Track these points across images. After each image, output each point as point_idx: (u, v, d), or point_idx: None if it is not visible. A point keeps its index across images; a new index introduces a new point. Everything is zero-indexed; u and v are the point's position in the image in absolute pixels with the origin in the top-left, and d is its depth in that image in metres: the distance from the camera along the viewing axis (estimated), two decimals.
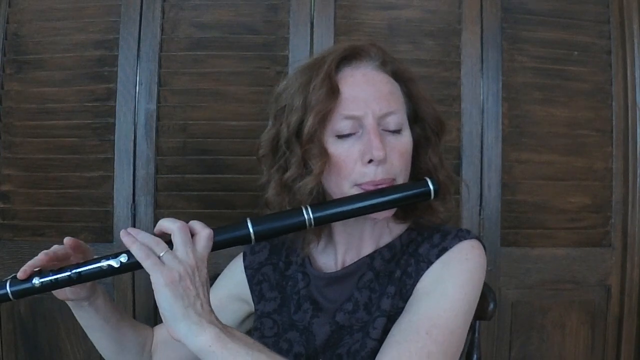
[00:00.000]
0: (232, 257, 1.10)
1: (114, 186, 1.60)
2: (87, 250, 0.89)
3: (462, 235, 0.92)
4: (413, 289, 0.89)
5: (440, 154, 0.98)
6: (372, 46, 0.94)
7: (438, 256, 0.90)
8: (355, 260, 0.97)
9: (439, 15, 1.65)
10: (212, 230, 0.81)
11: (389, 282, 0.92)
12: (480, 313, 1.04)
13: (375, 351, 0.85)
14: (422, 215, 0.97)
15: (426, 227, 0.97)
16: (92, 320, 0.92)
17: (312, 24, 1.61)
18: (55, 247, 0.85)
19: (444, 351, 0.83)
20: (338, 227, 0.96)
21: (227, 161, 1.60)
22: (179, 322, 0.74)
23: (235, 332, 0.78)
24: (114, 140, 1.60)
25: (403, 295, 0.90)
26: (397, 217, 0.96)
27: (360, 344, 0.89)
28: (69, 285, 0.82)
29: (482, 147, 1.63)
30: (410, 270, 0.91)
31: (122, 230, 0.79)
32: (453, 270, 0.89)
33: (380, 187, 0.88)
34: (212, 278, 1.11)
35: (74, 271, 0.80)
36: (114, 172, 1.60)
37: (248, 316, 1.06)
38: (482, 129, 1.63)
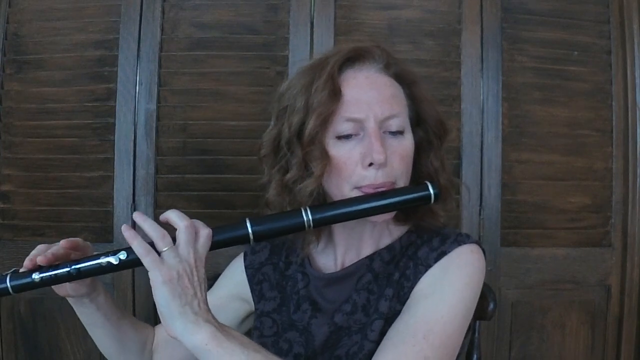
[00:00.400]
0: (232, 257, 1.10)
1: (114, 186, 1.60)
2: (87, 247, 0.89)
3: (461, 239, 0.92)
4: (411, 291, 0.89)
5: (442, 157, 0.97)
6: (376, 48, 0.94)
7: (437, 260, 0.90)
8: (355, 261, 0.97)
9: (439, 15, 1.65)
10: (211, 230, 0.81)
11: (387, 284, 0.92)
12: (480, 313, 1.05)
13: (373, 353, 0.85)
14: (423, 218, 0.97)
15: (426, 230, 0.96)
16: (93, 317, 0.92)
17: (312, 24, 1.61)
18: (54, 248, 0.85)
19: (440, 355, 0.83)
20: (338, 228, 0.96)
21: (227, 161, 1.60)
22: (175, 320, 0.75)
23: (231, 331, 0.78)
24: (114, 140, 1.60)
25: (401, 297, 0.90)
26: (397, 219, 0.96)
27: (359, 346, 0.89)
28: (68, 281, 0.83)
29: (482, 147, 1.63)
30: (408, 273, 0.91)
31: (124, 225, 0.81)
32: (451, 274, 0.88)
33: (380, 190, 0.88)
34: (213, 278, 1.11)
35: (73, 267, 0.80)
36: (114, 172, 1.60)
37: (248, 315, 1.06)
38: (482, 129, 1.63)
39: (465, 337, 0.91)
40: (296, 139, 0.91)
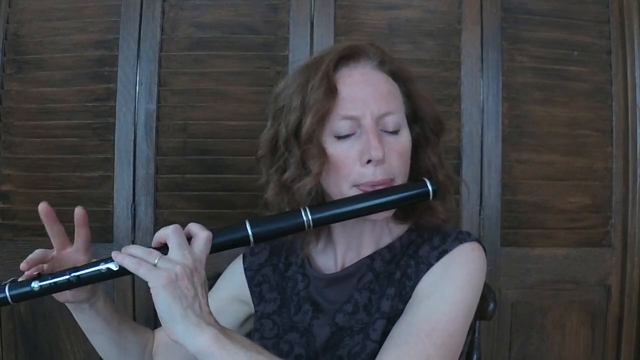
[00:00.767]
0: (232, 258, 1.10)
1: (114, 186, 1.60)
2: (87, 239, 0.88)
3: (462, 237, 0.92)
4: (412, 290, 0.89)
5: (440, 153, 0.97)
6: (370, 46, 0.94)
7: (438, 258, 0.90)
8: (355, 261, 0.96)
9: (439, 15, 1.65)
10: (210, 233, 0.81)
11: (388, 283, 0.92)
12: (480, 313, 1.04)
13: (375, 353, 0.85)
14: (422, 216, 0.97)
15: (426, 229, 0.96)
16: (92, 322, 0.92)
17: (312, 24, 1.61)
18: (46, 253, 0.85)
19: (443, 354, 0.83)
20: (337, 227, 0.96)
21: (227, 161, 1.60)
22: (177, 324, 0.74)
23: (233, 333, 0.78)
24: (114, 140, 1.60)
25: (402, 297, 0.90)
26: (397, 217, 0.96)
27: (361, 346, 0.89)
28: (68, 289, 0.82)
29: (482, 147, 1.63)
30: (409, 272, 0.91)
31: (114, 251, 0.79)
32: (453, 272, 0.88)
33: (379, 187, 0.88)
34: (213, 279, 1.11)
35: (73, 274, 0.80)
36: (114, 172, 1.60)
37: (248, 317, 1.06)
38: (482, 129, 1.63)
39: (466, 336, 0.91)
40: (293, 137, 0.90)
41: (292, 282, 1.01)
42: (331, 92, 0.88)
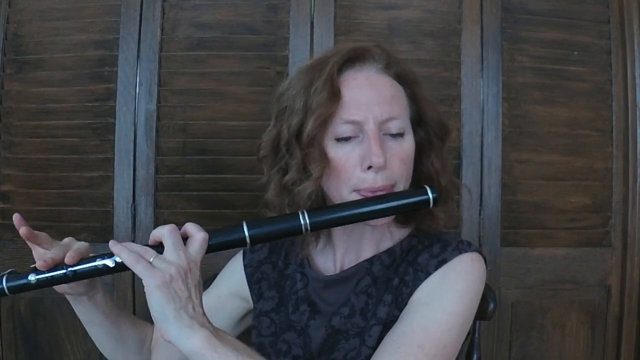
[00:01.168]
0: (232, 256, 1.10)
1: (114, 186, 1.60)
2: (87, 251, 0.87)
3: (462, 247, 0.91)
4: (409, 298, 0.89)
5: (444, 158, 0.96)
6: (376, 48, 0.93)
7: (437, 267, 0.89)
8: (354, 263, 0.96)
9: (439, 15, 1.65)
10: (207, 234, 0.81)
11: (386, 289, 0.92)
12: (480, 313, 1.04)
13: (370, 359, 0.84)
14: (423, 221, 0.96)
15: (427, 235, 0.95)
16: (91, 315, 0.92)
17: (312, 24, 1.61)
18: (54, 252, 0.84)
19: None
20: (337, 229, 0.95)
21: (227, 161, 1.60)
22: (170, 325, 0.74)
23: (226, 335, 0.78)
24: (114, 140, 1.60)
25: (399, 303, 0.90)
26: (398, 221, 0.95)
27: (357, 352, 0.89)
28: (64, 283, 0.82)
29: (482, 147, 1.63)
30: (407, 279, 0.91)
31: (111, 240, 0.79)
32: (451, 283, 0.87)
33: (379, 193, 0.87)
34: (212, 277, 1.11)
35: (70, 269, 0.80)
36: (114, 172, 1.60)
37: (247, 314, 1.06)
38: (482, 129, 1.63)
39: (465, 338, 0.90)
40: (295, 140, 0.90)
41: (290, 280, 1.01)
42: (334, 96, 0.87)
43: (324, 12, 1.61)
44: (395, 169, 0.88)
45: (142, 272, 0.75)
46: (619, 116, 1.67)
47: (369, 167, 0.86)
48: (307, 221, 0.84)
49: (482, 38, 1.63)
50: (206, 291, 1.07)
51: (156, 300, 0.74)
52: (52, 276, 0.80)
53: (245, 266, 1.05)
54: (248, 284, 1.04)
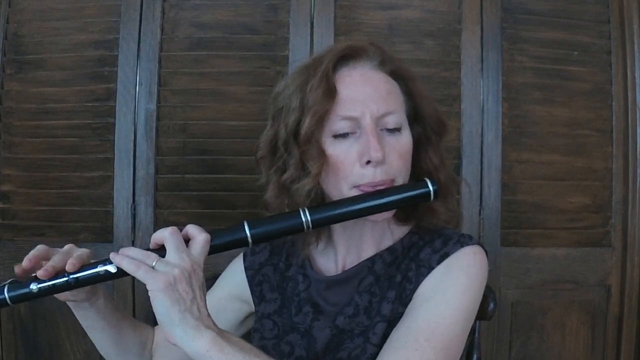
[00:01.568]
0: (233, 257, 1.10)
1: (114, 186, 1.60)
2: (88, 257, 0.86)
3: (463, 241, 0.91)
4: (413, 294, 0.89)
5: (441, 153, 0.96)
6: (370, 45, 0.93)
7: (439, 262, 0.89)
8: (356, 263, 0.96)
9: (439, 15, 1.65)
10: (209, 235, 0.81)
11: (389, 286, 0.92)
12: (480, 313, 1.04)
13: (376, 356, 0.84)
14: (423, 217, 0.96)
15: (428, 231, 0.96)
16: (92, 321, 0.92)
17: (312, 24, 1.61)
18: (55, 260, 0.83)
19: (443, 358, 0.82)
20: (338, 228, 0.96)
21: (227, 161, 1.60)
22: (175, 327, 0.74)
23: (231, 336, 0.78)
24: (114, 140, 1.60)
25: (403, 300, 0.90)
26: (398, 219, 0.96)
27: (361, 349, 0.89)
28: (66, 290, 0.82)
29: (482, 147, 1.63)
30: (410, 275, 0.91)
31: (112, 253, 0.79)
32: (454, 276, 0.88)
33: (379, 188, 0.87)
34: (213, 278, 1.11)
35: (71, 277, 0.80)
36: (114, 172, 1.60)
37: (248, 316, 1.06)
38: (482, 129, 1.63)
39: (466, 339, 0.91)
40: (293, 138, 0.90)
41: (292, 282, 1.00)
42: (330, 92, 0.88)
43: (324, 12, 1.61)
44: (394, 163, 0.88)
45: (144, 277, 0.75)
46: (619, 116, 1.67)
47: (368, 162, 0.87)
48: (309, 218, 0.84)
49: (482, 38, 1.63)
50: (207, 293, 1.07)
51: (161, 303, 0.74)
52: (54, 284, 0.80)
53: (246, 268, 1.05)
54: (249, 287, 1.04)
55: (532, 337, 1.67)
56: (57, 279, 0.80)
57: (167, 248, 0.78)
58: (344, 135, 0.88)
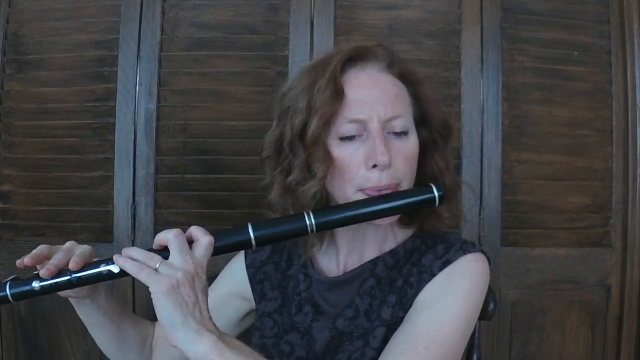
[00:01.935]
0: (232, 256, 1.10)
1: (114, 186, 1.60)
2: (91, 255, 0.86)
3: (466, 248, 0.91)
4: (414, 299, 0.89)
5: (447, 157, 0.96)
6: (379, 47, 0.93)
7: (441, 268, 0.89)
8: (357, 265, 0.96)
9: (439, 15, 1.65)
10: (212, 238, 0.80)
11: (390, 290, 0.92)
12: (481, 313, 1.04)
13: None
14: (427, 220, 0.95)
15: (431, 236, 0.95)
16: (93, 317, 0.92)
17: (312, 24, 1.61)
18: (57, 258, 0.83)
19: None
20: (341, 230, 0.95)
21: (227, 161, 1.60)
22: (177, 330, 0.74)
23: (232, 340, 0.78)
24: (114, 140, 1.60)
25: (403, 305, 0.90)
26: (401, 222, 0.95)
27: (360, 353, 0.89)
28: (68, 289, 0.82)
29: (482, 147, 1.63)
30: (412, 280, 0.91)
31: (115, 254, 0.79)
32: (455, 284, 0.88)
33: (384, 192, 0.87)
34: (212, 277, 1.11)
35: (74, 275, 0.80)
36: (114, 172, 1.60)
37: (247, 314, 1.06)
38: (482, 129, 1.63)
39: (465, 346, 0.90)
40: (298, 139, 0.89)
41: (293, 281, 1.00)
42: (338, 94, 0.87)
43: (324, 12, 1.61)
44: (400, 167, 0.88)
45: (147, 280, 0.75)
46: (619, 116, 1.67)
47: (374, 166, 0.86)
48: (313, 221, 0.84)
49: (482, 38, 1.63)
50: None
51: (163, 306, 0.74)
52: (56, 283, 0.80)
53: (247, 266, 1.05)
54: (250, 284, 1.04)
55: (532, 337, 1.67)
56: (59, 277, 0.80)
57: (170, 250, 0.78)
58: (350, 138, 0.88)
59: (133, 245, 1.55)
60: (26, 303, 1.61)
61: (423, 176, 0.93)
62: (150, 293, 0.75)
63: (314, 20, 1.61)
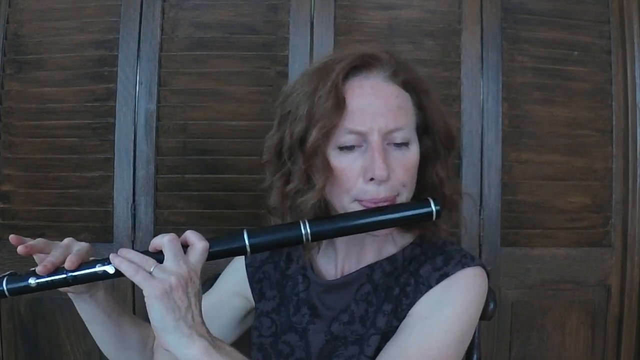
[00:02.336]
0: (231, 258, 1.10)
1: (114, 186, 1.60)
2: (88, 254, 0.86)
3: (465, 262, 0.90)
4: (409, 309, 0.88)
5: (449, 168, 0.94)
6: (384, 54, 0.90)
7: (438, 281, 0.88)
8: (355, 269, 0.95)
9: (439, 15, 1.65)
10: (207, 243, 0.80)
11: (386, 298, 0.91)
12: (481, 313, 1.04)
13: None
14: (426, 228, 0.94)
15: (431, 245, 0.94)
16: (92, 313, 0.92)
17: (312, 24, 1.61)
18: (54, 256, 0.83)
19: None
20: None
21: (227, 161, 1.60)
22: (169, 334, 0.74)
23: (224, 346, 0.78)
24: (114, 140, 1.60)
25: (398, 314, 0.89)
26: (401, 228, 0.94)
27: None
28: (64, 287, 0.82)
29: (482, 147, 1.63)
30: (408, 290, 0.90)
31: (111, 253, 0.79)
32: (452, 298, 0.87)
33: (381, 204, 0.86)
34: (213, 278, 1.11)
35: (70, 274, 0.80)
36: (114, 172, 1.60)
37: (248, 313, 1.06)
38: (482, 129, 1.63)
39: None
40: (298, 147, 0.88)
41: (292, 281, 1.00)
42: (339, 105, 0.85)
43: (324, 12, 1.61)
44: (400, 178, 0.87)
45: (141, 283, 0.76)
46: (619, 116, 1.67)
47: (371, 179, 0.85)
48: (308, 231, 0.84)
49: (482, 38, 1.63)
50: (208, 291, 1.08)
51: (156, 310, 0.74)
52: (52, 280, 0.80)
53: (247, 265, 1.05)
54: (249, 284, 1.04)
55: (532, 337, 1.67)
56: (55, 274, 0.80)
57: (165, 254, 0.78)
58: (349, 148, 0.87)
59: (133, 246, 1.56)
60: (26, 303, 1.61)
61: (424, 185, 0.92)
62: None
63: (314, 20, 1.61)
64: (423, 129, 0.92)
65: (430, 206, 0.86)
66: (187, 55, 1.61)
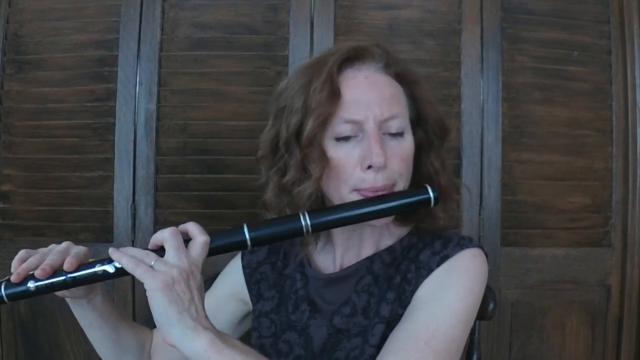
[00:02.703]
0: (231, 256, 1.10)
1: (114, 186, 1.60)
2: (86, 256, 0.86)
3: (464, 243, 0.91)
4: (412, 295, 0.89)
5: (443, 158, 0.96)
6: (376, 47, 0.92)
7: (439, 264, 0.89)
8: (354, 262, 0.96)
9: (439, 15, 1.65)
10: (209, 238, 0.80)
11: (388, 287, 0.91)
12: (480, 313, 1.04)
13: (374, 358, 0.84)
14: (423, 219, 0.96)
15: (428, 232, 0.95)
16: (90, 318, 0.91)
17: (312, 24, 1.61)
18: (52, 258, 0.82)
19: None
20: (337, 228, 0.95)
21: (227, 161, 1.60)
22: (173, 327, 0.74)
23: (229, 338, 0.77)
24: (114, 140, 1.60)
25: (402, 301, 0.89)
26: (397, 219, 0.95)
27: (360, 351, 0.89)
28: (63, 289, 0.82)
29: (482, 147, 1.63)
30: (409, 276, 0.90)
31: (111, 248, 0.79)
32: (454, 279, 0.87)
33: (379, 193, 0.87)
34: (212, 278, 1.11)
35: (69, 276, 0.79)
36: (114, 172, 1.60)
37: (246, 315, 1.06)
38: (482, 129, 1.63)
39: (465, 342, 0.90)
40: (294, 139, 0.89)
41: (290, 280, 1.00)
42: (334, 95, 0.87)
43: (324, 12, 1.61)
44: (396, 167, 0.88)
45: (142, 276, 0.75)
46: (619, 116, 1.67)
47: (369, 167, 0.86)
48: (308, 222, 0.84)
49: (482, 38, 1.63)
50: (206, 293, 1.07)
51: (158, 303, 0.73)
52: (51, 283, 0.79)
53: (243, 267, 1.05)
54: (247, 285, 1.04)
55: (532, 337, 1.67)
56: (54, 277, 0.80)
57: (166, 248, 0.78)
58: (346, 138, 0.88)
59: (133, 246, 1.56)
60: (26, 303, 1.61)
61: (419, 176, 0.94)
62: None
63: (314, 20, 1.61)
64: (416, 121, 0.94)
65: (428, 193, 0.87)
66: (187, 55, 1.61)
